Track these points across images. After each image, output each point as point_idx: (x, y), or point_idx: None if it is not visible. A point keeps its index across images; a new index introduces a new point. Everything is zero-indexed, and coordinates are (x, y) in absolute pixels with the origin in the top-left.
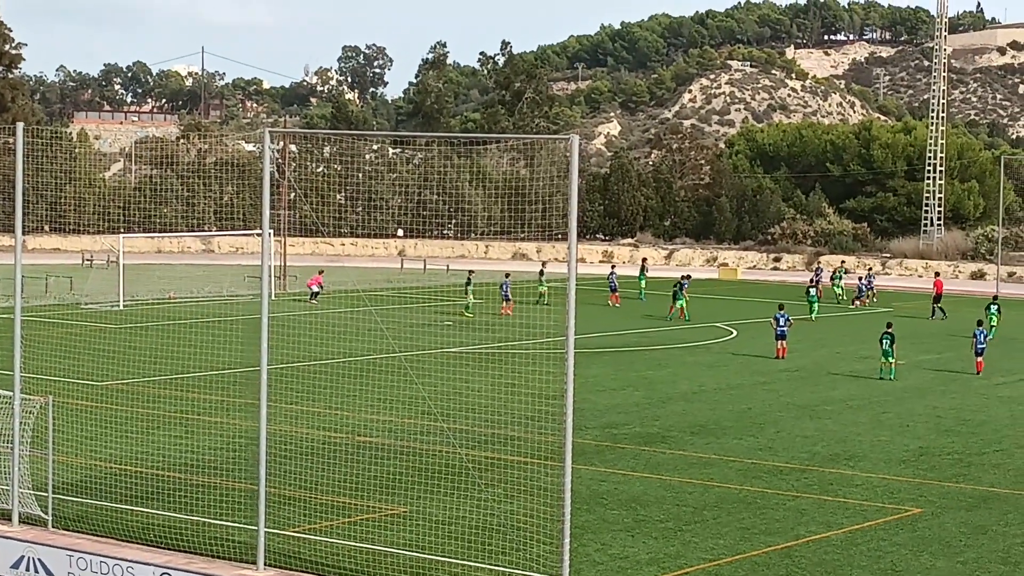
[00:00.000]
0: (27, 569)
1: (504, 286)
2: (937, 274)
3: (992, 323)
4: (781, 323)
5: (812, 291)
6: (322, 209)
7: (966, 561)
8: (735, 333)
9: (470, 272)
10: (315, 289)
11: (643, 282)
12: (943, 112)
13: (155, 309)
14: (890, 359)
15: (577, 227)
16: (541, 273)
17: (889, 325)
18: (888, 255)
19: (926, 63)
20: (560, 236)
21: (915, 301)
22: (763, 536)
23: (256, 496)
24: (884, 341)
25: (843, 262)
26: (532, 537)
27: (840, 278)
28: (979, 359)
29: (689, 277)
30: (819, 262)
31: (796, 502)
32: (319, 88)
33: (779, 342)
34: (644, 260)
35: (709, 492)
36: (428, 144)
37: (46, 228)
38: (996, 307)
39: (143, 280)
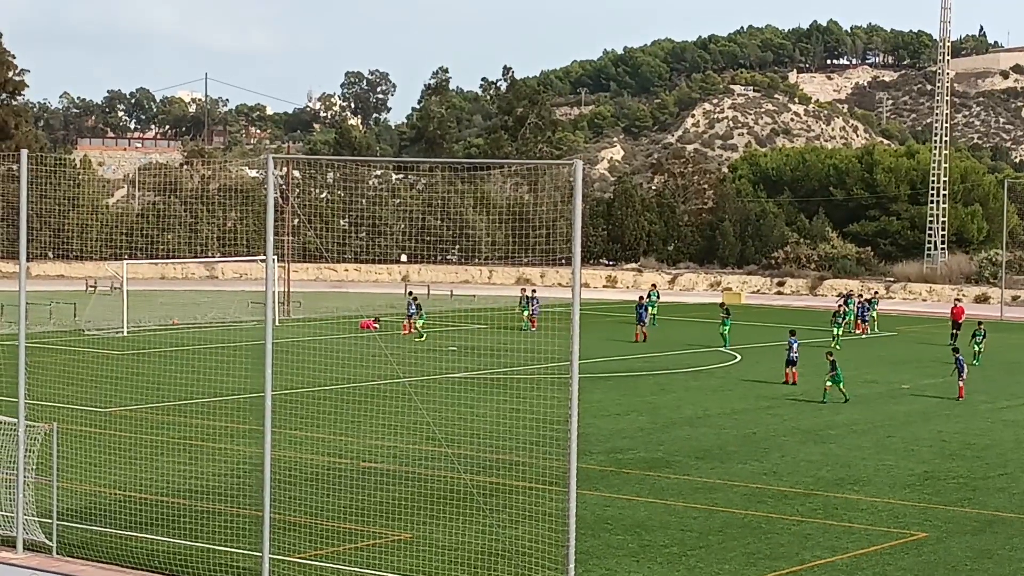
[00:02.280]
0: None
1: (410, 305)
2: (957, 300)
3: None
4: (794, 349)
5: (843, 317)
6: (326, 235)
7: None
8: (739, 358)
9: (414, 296)
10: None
11: (654, 308)
12: (946, 136)
13: (159, 335)
14: (832, 384)
15: (581, 252)
16: (528, 300)
17: (830, 354)
18: (892, 279)
19: (929, 87)
20: (564, 261)
21: (919, 325)
22: (768, 561)
23: (261, 522)
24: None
25: (875, 292)
26: (537, 563)
27: (850, 304)
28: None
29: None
30: (849, 290)
31: (801, 527)
32: (322, 114)
33: (789, 368)
34: (653, 286)
35: (714, 517)
36: (431, 169)
37: (50, 255)
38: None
39: (147, 306)
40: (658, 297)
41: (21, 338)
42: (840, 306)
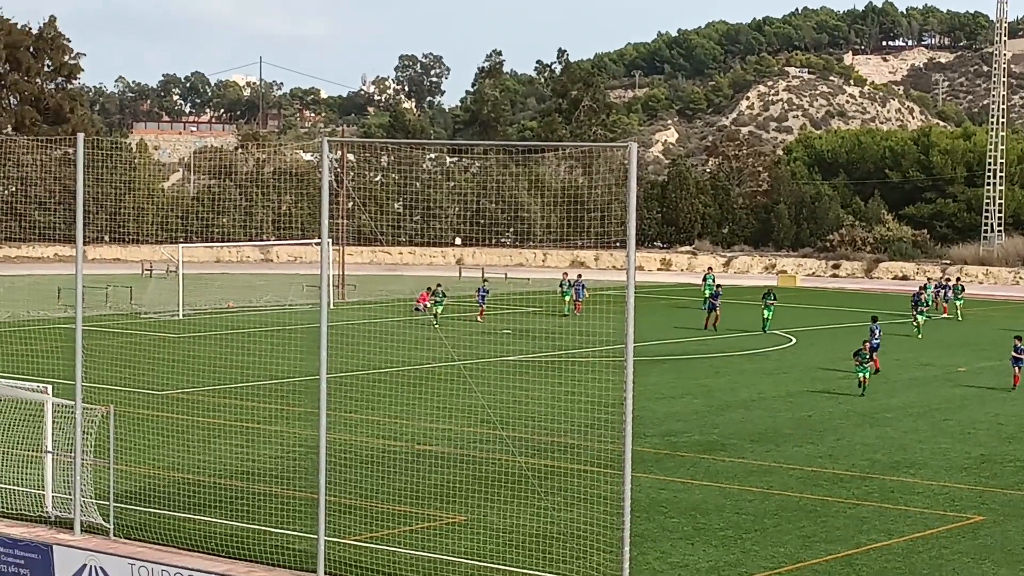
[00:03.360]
0: None
1: (481, 290)
2: None
3: None
4: (876, 335)
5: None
6: (380, 218)
7: None
8: (794, 340)
9: (438, 285)
10: (419, 307)
11: (709, 291)
12: (1003, 117)
13: (214, 318)
14: (864, 374)
15: (635, 235)
16: (571, 284)
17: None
18: (948, 262)
19: (985, 68)
20: (618, 244)
21: (976, 307)
22: (824, 544)
23: (316, 505)
24: (863, 354)
25: (958, 279)
26: (592, 545)
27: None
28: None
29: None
30: (946, 273)
31: (857, 510)
32: (376, 97)
33: (871, 355)
34: (709, 269)
35: (769, 500)
36: (485, 152)
37: (106, 238)
38: None
39: (202, 290)
40: (714, 280)
41: (78, 321)
42: (921, 288)
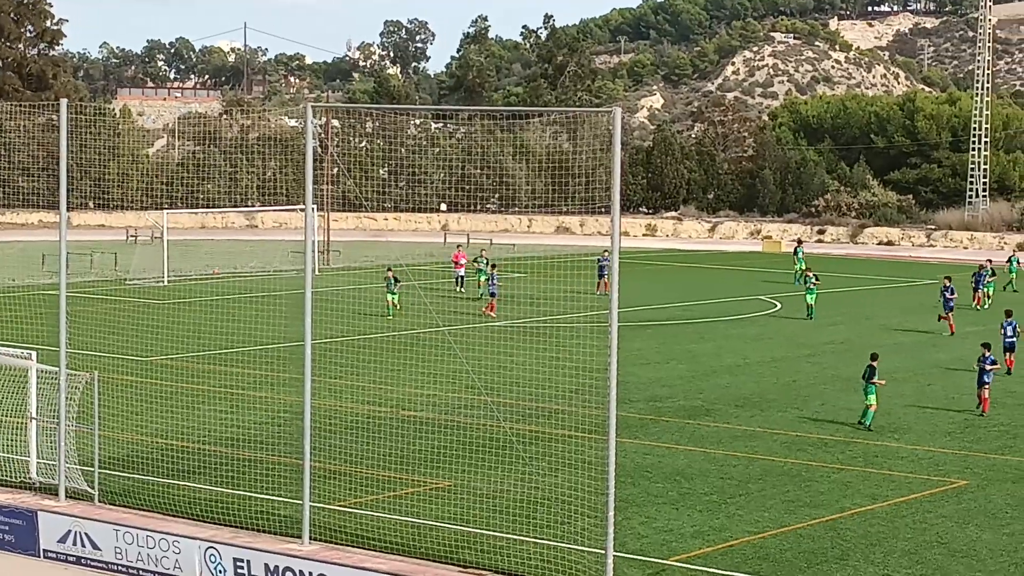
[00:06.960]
0: (74, 543)
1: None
2: None
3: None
4: (1009, 333)
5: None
6: (365, 184)
7: (1012, 533)
8: (779, 306)
9: (389, 269)
10: (460, 273)
11: (801, 265)
12: (988, 83)
13: (199, 285)
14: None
15: (620, 200)
16: (483, 261)
17: (874, 357)
18: (933, 227)
19: (971, 34)
20: (603, 210)
21: (962, 272)
22: (808, 509)
23: (301, 470)
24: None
25: (989, 260)
26: (576, 510)
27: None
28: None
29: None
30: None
31: (841, 474)
32: (361, 63)
33: (1006, 354)
34: (799, 242)
35: (754, 465)
36: (470, 118)
37: (90, 204)
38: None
39: (187, 256)
40: (804, 255)
41: (62, 287)
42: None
